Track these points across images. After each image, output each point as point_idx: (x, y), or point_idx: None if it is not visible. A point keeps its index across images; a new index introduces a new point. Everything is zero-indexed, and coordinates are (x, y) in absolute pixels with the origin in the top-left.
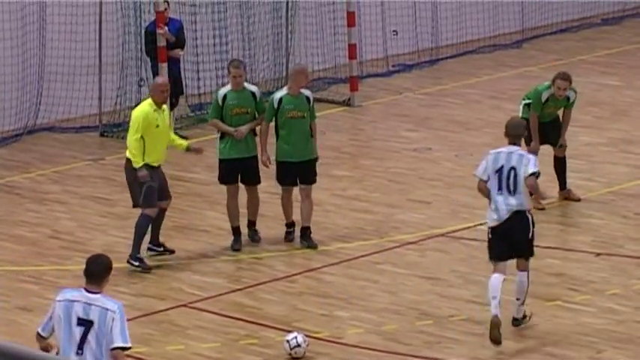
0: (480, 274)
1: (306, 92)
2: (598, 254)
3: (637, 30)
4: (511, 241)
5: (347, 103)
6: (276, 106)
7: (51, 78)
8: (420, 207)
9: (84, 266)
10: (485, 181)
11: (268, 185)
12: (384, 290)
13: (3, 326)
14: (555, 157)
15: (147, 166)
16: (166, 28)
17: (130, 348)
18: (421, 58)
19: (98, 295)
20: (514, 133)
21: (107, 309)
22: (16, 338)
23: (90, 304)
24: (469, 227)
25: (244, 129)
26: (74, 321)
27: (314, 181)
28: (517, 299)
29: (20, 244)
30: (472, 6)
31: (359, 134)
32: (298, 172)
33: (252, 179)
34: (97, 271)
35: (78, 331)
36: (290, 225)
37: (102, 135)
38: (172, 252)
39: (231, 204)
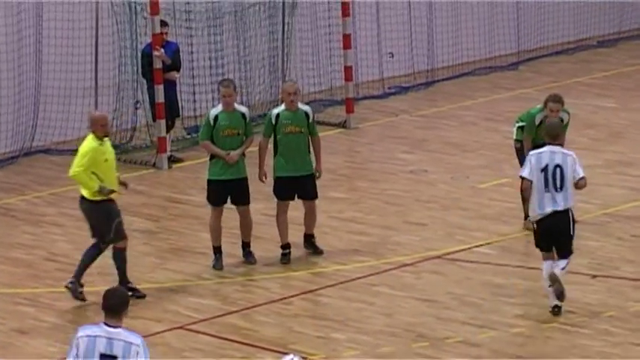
0: (476, 295)
1: (305, 108)
2: (594, 276)
3: (633, 52)
4: (552, 237)
5: (343, 125)
6: (274, 121)
7: (47, 100)
8: (416, 229)
9: (101, 301)
10: (531, 182)
11: (264, 207)
12: (380, 312)
13: None
14: None
15: (104, 201)
16: (162, 50)
17: None
18: (417, 80)
19: (120, 329)
20: (552, 134)
21: (131, 343)
22: None
23: (112, 339)
24: (465, 249)
25: (236, 154)
26: (96, 356)
27: (315, 196)
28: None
29: (16, 266)
30: (468, 28)
31: (355, 156)
32: (297, 188)
33: (242, 200)
34: (115, 305)
35: None
36: (285, 247)
37: None
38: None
39: (215, 224)
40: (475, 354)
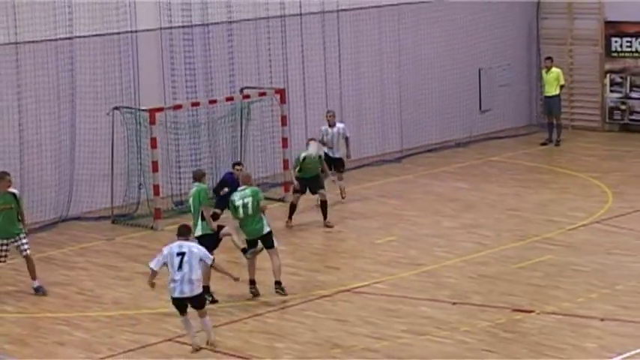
0: (375, 317)
1: (253, 187)
2: (454, 303)
3: (479, 150)
4: None
5: (282, 200)
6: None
7: (78, 183)
8: (332, 271)
9: (176, 230)
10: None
11: (226, 257)
12: (308, 329)
13: (43, 355)
14: (321, 201)
15: None
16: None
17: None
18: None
19: (188, 242)
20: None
21: (191, 247)
22: None
23: (183, 245)
24: (366, 285)
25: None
26: (174, 254)
27: (273, 246)
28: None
29: (55, 298)
30: (365, 133)
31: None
32: (262, 242)
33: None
34: (182, 231)
35: (177, 260)
36: (253, 282)
37: (113, 222)
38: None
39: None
40: (373, 357)
